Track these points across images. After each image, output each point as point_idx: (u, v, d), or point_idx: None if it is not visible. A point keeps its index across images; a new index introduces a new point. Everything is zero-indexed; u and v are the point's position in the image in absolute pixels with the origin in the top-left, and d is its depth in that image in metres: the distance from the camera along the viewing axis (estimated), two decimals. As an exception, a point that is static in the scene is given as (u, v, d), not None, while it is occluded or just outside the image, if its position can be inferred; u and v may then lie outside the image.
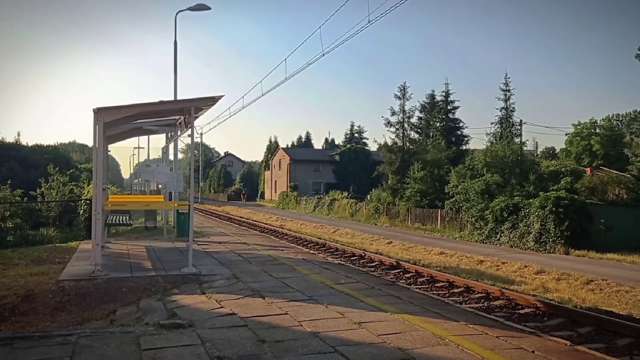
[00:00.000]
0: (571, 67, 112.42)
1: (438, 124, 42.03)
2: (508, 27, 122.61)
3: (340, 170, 57.03)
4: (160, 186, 19.55)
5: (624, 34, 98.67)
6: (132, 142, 43.44)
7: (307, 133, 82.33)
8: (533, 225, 21.05)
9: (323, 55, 16.29)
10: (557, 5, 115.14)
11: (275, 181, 66.44)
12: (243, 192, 73.55)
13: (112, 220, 15.21)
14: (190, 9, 19.20)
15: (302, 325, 6.31)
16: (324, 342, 5.62)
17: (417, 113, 42.52)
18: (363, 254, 16.61)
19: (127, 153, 55.34)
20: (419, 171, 34.04)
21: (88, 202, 18.30)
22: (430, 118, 43.26)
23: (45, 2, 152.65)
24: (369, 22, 13.43)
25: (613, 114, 55.65)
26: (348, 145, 60.57)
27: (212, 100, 10.81)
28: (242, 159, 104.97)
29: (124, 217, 16.20)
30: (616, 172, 31.63)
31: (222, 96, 10.56)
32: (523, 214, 21.79)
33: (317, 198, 47.65)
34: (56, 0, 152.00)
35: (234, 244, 15.50)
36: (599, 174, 30.26)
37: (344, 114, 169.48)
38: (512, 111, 39.38)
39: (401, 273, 13.57)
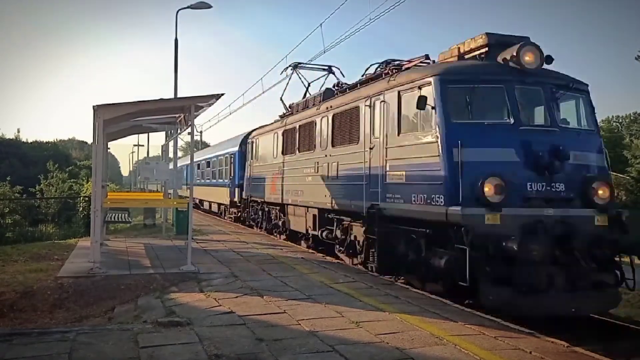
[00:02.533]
0: (571, 69, 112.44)
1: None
2: (507, 29, 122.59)
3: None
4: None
5: (624, 35, 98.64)
6: (131, 139, 43.53)
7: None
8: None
9: (324, 52, 16.03)
10: (557, 7, 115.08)
11: (275, 180, 66.06)
12: None
13: (111, 218, 15.24)
14: (191, 7, 19.24)
15: (300, 324, 6.31)
16: (322, 341, 5.62)
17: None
18: (362, 254, 16.47)
19: (126, 150, 55.46)
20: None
21: (87, 199, 18.32)
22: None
23: (46, 1, 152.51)
24: (369, 20, 13.23)
25: (612, 116, 55.81)
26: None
27: (212, 98, 10.80)
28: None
29: (123, 215, 16.25)
30: (615, 174, 31.61)
31: (223, 94, 10.56)
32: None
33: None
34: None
35: (233, 242, 15.49)
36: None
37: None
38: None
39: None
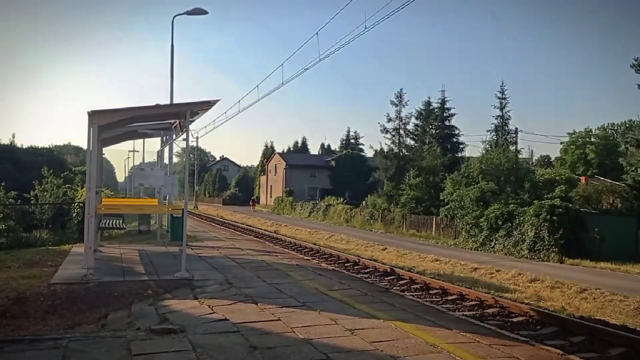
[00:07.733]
0: (567, 76, 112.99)
1: (434, 131, 42.13)
2: (504, 36, 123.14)
3: (336, 176, 57.03)
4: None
5: (620, 43, 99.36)
6: (127, 145, 43.17)
7: (304, 138, 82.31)
8: (527, 233, 21.08)
9: (320, 60, 16.11)
10: (554, 15, 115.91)
11: (271, 186, 66.34)
12: (253, 197, 67.00)
13: (105, 224, 15.15)
14: (188, 13, 19.29)
15: (294, 332, 6.28)
16: (316, 349, 5.60)
17: (413, 120, 42.43)
18: (357, 261, 16.58)
19: (121, 156, 55.12)
20: (414, 178, 34.10)
21: (81, 205, 18.22)
22: (426, 125, 43.37)
23: (42, 5, 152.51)
24: (365, 28, 13.33)
25: (608, 123, 55.99)
26: (344, 151, 60.65)
27: (207, 105, 10.80)
28: (238, 163, 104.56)
29: (118, 221, 16.16)
30: (611, 181, 31.73)
31: (218, 101, 10.57)
32: (517, 222, 21.83)
33: (313, 204, 47.55)
34: (53, 4, 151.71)
35: (227, 248, 15.45)
36: (593, 183, 30.38)
37: (340, 119, 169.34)
38: (507, 119, 39.51)
39: (395, 280, 13.55)
